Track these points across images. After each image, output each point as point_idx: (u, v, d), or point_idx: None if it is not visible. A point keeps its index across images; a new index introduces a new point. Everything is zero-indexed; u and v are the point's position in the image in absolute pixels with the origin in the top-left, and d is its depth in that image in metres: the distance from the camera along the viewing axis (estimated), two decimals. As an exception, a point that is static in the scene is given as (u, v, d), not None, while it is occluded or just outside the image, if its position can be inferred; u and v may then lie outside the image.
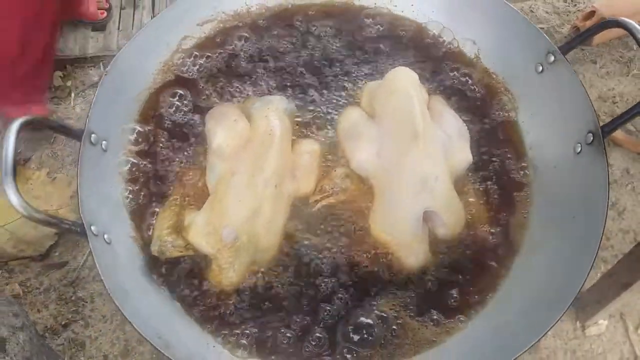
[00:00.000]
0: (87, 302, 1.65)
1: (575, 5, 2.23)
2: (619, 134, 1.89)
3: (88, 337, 1.61)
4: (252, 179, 1.03)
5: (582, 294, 1.64)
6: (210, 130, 1.11)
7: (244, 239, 1.01)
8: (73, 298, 1.66)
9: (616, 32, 2.05)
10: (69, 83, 1.95)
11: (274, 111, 1.12)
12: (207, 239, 1.01)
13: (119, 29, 1.99)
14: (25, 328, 1.39)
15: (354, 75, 1.22)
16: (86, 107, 1.90)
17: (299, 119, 1.17)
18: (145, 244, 1.04)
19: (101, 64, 1.98)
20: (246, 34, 1.27)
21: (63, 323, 1.62)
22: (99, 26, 2.00)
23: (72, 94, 1.94)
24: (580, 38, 1.06)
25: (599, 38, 2.06)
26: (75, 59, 1.96)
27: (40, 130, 1.77)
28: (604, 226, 0.94)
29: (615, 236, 1.77)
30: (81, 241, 1.74)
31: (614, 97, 1.98)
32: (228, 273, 1.02)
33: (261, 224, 1.03)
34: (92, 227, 0.92)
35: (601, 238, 0.94)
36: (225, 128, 1.08)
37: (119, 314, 1.63)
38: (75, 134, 0.97)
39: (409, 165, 1.00)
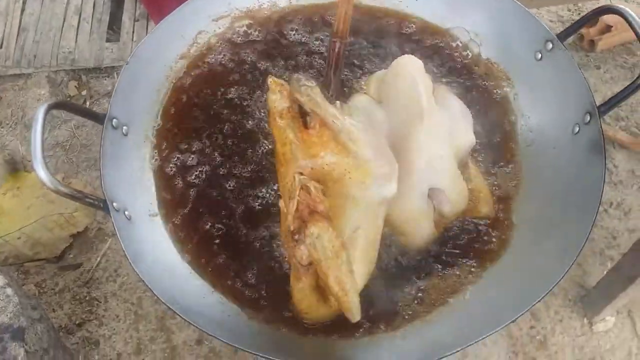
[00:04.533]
0: (101, 302, 1.69)
1: (580, 13, 2.28)
2: (623, 136, 1.93)
3: (102, 335, 1.63)
4: None
5: (589, 290, 1.66)
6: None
7: None
8: (87, 298, 1.69)
9: (619, 38, 2.11)
10: (83, 92, 2.02)
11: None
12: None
13: (132, 40, 2.07)
14: (43, 320, 1.42)
15: (366, 67, 1.26)
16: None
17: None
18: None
19: (115, 74, 2.05)
20: (258, 29, 1.30)
21: (77, 322, 1.65)
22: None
23: (87, 103, 2.00)
24: (577, 25, 1.11)
25: (603, 44, 2.11)
26: (90, 70, 2.04)
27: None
28: (601, 196, 0.97)
29: (621, 235, 1.80)
30: (95, 243, 1.78)
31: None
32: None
33: None
34: (114, 204, 0.96)
35: (597, 209, 0.96)
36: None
37: (132, 313, 1.67)
38: (98, 118, 1.03)
39: (415, 145, 1.04)
